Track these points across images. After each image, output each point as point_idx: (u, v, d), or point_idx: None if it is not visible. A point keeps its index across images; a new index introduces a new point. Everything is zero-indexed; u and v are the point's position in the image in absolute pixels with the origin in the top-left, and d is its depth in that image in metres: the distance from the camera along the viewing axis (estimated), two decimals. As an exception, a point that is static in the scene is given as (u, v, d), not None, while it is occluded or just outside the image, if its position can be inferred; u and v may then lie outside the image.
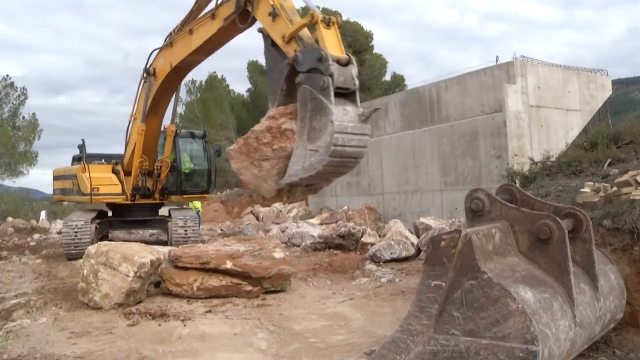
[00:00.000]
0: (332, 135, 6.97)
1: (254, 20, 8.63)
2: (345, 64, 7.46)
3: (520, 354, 3.42)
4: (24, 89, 31.84)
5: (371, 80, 36.55)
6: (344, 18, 37.80)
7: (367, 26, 64.72)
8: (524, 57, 15.66)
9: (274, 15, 8.17)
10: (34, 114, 32.29)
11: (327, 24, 7.73)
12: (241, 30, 9.60)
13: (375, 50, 38.45)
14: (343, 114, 7.16)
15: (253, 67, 38.93)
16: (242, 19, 8.89)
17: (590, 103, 16.23)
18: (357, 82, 7.54)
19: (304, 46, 7.78)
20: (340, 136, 7.01)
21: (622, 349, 4.90)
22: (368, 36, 38.07)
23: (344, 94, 7.48)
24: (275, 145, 8.05)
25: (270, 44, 8.28)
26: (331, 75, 7.19)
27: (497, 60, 16.41)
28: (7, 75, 31.05)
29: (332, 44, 7.70)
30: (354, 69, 7.51)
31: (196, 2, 10.38)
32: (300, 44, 7.94)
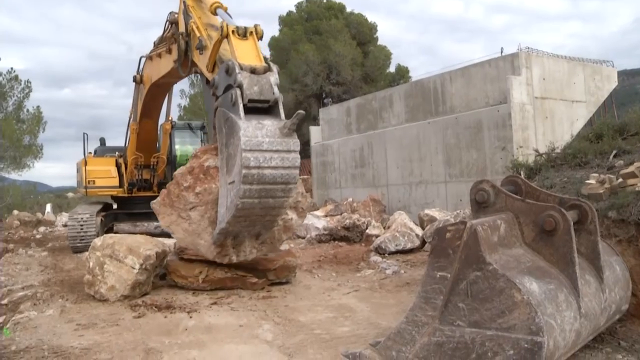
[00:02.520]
0: (241, 155, 5.98)
1: (193, 65, 8.11)
2: (262, 72, 6.57)
3: (526, 345, 3.43)
4: (28, 82, 31.86)
5: (375, 72, 36.44)
6: (348, 10, 37.75)
7: (371, 18, 64.51)
8: (529, 48, 15.59)
9: (200, 48, 7.53)
10: (38, 106, 32.36)
11: (243, 35, 6.95)
12: (185, 76, 9.20)
13: (379, 42, 38.34)
14: (256, 128, 6.12)
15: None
16: (184, 67, 8.45)
17: (595, 94, 16.16)
18: (276, 91, 6.56)
19: None
20: (252, 155, 5.99)
21: (627, 340, 4.90)
22: (372, 28, 37.93)
23: (265, 108, 6.55)
24: (198, 188, 7.24)
25: (206, 82, 7.65)
26: (240, 86, 6.31)
27: (501, 52, 16.34)
28: (12, 69, 31.19)
29: (246, 54, 6.79)
30: (272, 77, 6.60)
31: (165, 26, 10.04)
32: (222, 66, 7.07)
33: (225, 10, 7.79)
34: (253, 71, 6.55)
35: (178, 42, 8.45)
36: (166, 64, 9.77)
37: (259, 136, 6.12)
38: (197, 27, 7.84)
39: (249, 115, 6.32)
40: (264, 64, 6.76)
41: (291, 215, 7.79)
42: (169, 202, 7.41)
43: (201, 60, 7.71)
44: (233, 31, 6.93)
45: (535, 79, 14.26)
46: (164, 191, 7.59)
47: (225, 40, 7.09)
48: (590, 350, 4.67)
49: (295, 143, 6.38)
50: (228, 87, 6.59)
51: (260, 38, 7.24)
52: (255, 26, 7.20)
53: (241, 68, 6.48)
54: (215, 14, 7.77)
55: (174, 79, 10.68)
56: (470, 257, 3.76)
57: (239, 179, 6.08)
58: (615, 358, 4.57)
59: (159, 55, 10.24)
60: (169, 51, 9.38)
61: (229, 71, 6.52)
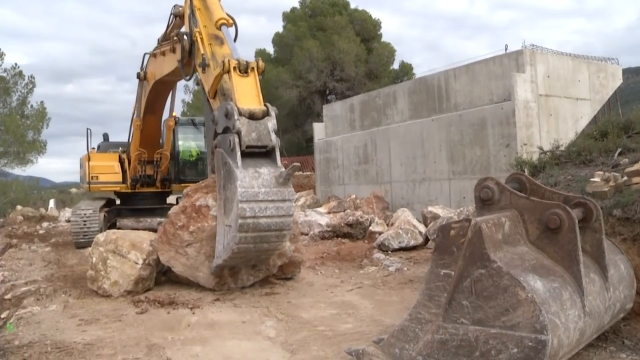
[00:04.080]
0: (238, 205, 6.19)
1: (196, 70, 8.03)
2: (260, 117, 6.67)
3: (530, 343, 3.42)
4: (32, 77, 31.87)
5: (379, 68, 36.43)
6: (352, 6, 37.74)
7: (375, 14, 64.37)
8: (533, 45, 15.58)
9: (203, 65, 7.50)
10: (42, 102, 32.39)
11: (245, 71, 6.96)
12: (189, 80, 9.10)
13: (383, 39, 38.35)
14: (252, 179, 6.30)
15: (260, 55, 38.85)
16: (187, 68, 8.38)
17: (600, 92, 16.11)
18: (274, 137, 6.67)
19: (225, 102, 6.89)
20: (248, 206, 6.18)
21: (631, 339, 4.88)
22: (376, 24, 37.92)
23: (263, 153, 6.66)
24: (192, 227, 7.48)
25: (206, 99, 7.68)
26: (238, 133, 6.41)
27: (506, 49, 16.33)
28: (16, 64, 31.09)
29: (246, 95, 6.85)
30: (270, 122, 6.69)
31: (169, 21, 9.94)
32: (222, 99, 7.15)
33: (230, 26, 7.73)
34: (252, 116, 6.63)
35: (182, 42, 8.39)
36: (170, 63, 9.72)
37: (255, 186, 6.29)
38: (202, 39, 7.77)
39: (246, 160, 6.46)
40: (262, 106, 6.84)
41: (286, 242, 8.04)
42: (166, 239, 7.70)
43: (204, 80, 7.69)
44: (235, 67, 6.95)
45: (539, 77, 14.22)
46: (160, 229, 7.83)
47: (227, 74, 7.13)
48: (594, 348, 4.65)
49: (290, 192, 6.53)
50: (227, 129, 6.69)
51: (262, 73, 7.26)
52: (257, 61, 7.22)
53: (240, 113, 6.57)
54: (219, 29, 7.70)
55: (178, 78, 10.65)
56: (475, 254, 3.74)
57: (235, 226, 6.28)
58: (619, 357, 4.56)
59: (163, 54, 10.19)
60: (173, 50, 9.32)
61: (227, 115, 6.61)
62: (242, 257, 6.78)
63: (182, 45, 8.34)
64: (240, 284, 7.64)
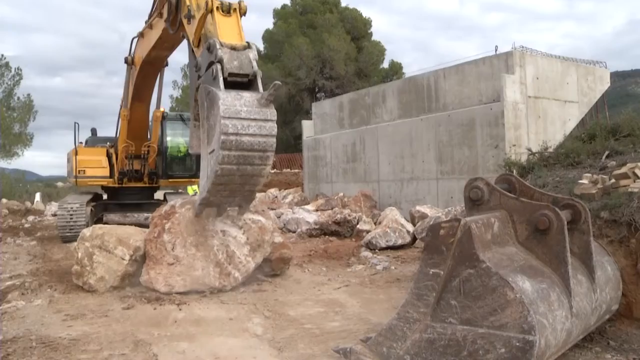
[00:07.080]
0: (220, 122, 6.24)
1: (182, 26, 8.10)
2: (242, 49, 6.86)
3: (517, 344, 3.43)
4: (18, 69, 31.63)
5: (369, 67, 36.46)
6: (343, 4, 37.69)
7: (366, 13, 64.36)
8: (523, 47, 15.64)
9: (189, 17, 7.63)
10: (29, 94, 32.22)
11: (227, 11, 7.18)
12: (176, 38, 9.13)
13: (373, 38, 38.38)
14: (235, 99, 6.40)
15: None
16: (173, 24, 8.43)
17: (588, 95, 16.22)
18: (255, 65, 6.85)
19: None
20: (231, 122, 6.24)
21: (616, 340, 4.92)
22: (367, 23, 37.97)
23: (245, 83, 6.82)
24: (167, 225, 7.71)
25: (191, 51, 7.79)
26: (220, 61, 6.58)
27: (496, 50, 16.41)
28: (2, 55, 30.83)
29: (228, 32, 7.06)
30: (251, 53, 6.89)
31: None
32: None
33: None
34: (233, 48, 6.81)
35: (169, 0, 8.47)
36: (157, 30, 9.76)
37: (237, 105, 6.37)
38: None
39: (229, 89, 6.60)
40: (244, 42, 7.03)
41: (259, 218, 8.22)
42: (153, 262, 7.58)
43: (188, 30, 7.82)
44: (217, 7, 7.14)
45: (528, 78, 14.29)
46: (145, 265, 7.69)
47: (210, 15, 7.30)
48: (579, 349, 4.69)
49: (272, 113, 6.57)
50: (210, 64, 6.83)
51: (244, 14, 7.43)
52: (239, 2, 7.39)
53: (222, 45, 6.76)
54: None
55: (165, 51, 10.64)
56: (464, 254, 3.76)
57: (218, 146, 6.28)
58: (604, 357, 4.60)
59: (150, 26, 10.20)
60: (160, 15, 9.37)
61: (210, 49, 6.78)
62: (226, 184, 6.70)
63: (170, 1, 8.43)
64: (244, 270, 7.58)
